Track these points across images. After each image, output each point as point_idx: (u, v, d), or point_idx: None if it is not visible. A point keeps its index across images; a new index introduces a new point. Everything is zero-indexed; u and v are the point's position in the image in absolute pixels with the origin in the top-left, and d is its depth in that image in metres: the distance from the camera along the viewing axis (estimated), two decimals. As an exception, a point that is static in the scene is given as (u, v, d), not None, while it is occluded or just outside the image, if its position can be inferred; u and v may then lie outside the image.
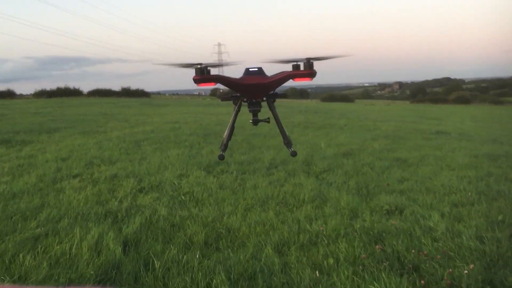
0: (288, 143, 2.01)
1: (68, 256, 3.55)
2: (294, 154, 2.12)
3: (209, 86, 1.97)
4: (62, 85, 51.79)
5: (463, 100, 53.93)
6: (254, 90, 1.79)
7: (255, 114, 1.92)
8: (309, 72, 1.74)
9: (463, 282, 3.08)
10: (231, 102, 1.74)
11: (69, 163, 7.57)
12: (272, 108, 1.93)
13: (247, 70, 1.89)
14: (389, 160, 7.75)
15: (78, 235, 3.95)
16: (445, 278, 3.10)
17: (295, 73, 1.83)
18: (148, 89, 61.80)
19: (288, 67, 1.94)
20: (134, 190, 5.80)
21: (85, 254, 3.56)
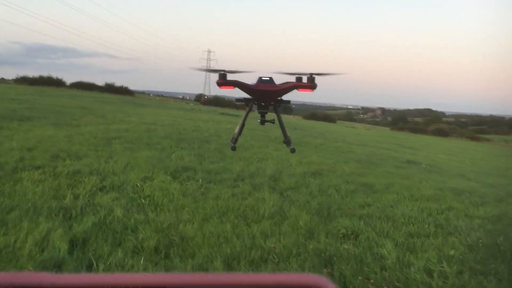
0: (287, 141, 2.30)
1: (11, 248, 3.46)
2: (293, 151, 2.40)
3: (228, 89, 2.26)
4: (46, 73, 51.02)
5: (442, 133, 54.81)
6: (265, 95, 2.13)
7: (263, 115, 2.25)
8: (311, 84, 2.10)
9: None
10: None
11: (34, 154, 7.42)
12: (277, 112, 2.21)
13: (260, 78, 2.21)
14: (356, 184, 7.80)
15: (26, 228, 3.87)
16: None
17: (300, 84, 2.16)
18: (133, 87, 61.19)
19: (292, 78, 2.32)
20: (94, 188, 5.71)
21: (29, 249, 3.48)
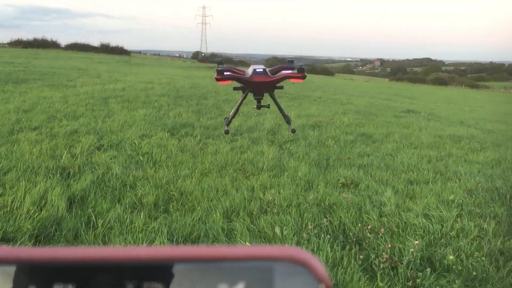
0: (288, 121, 2.37)
1: (8, 209, 3.46)
2: (293, 131, 2.48)
3: (226, 83, 2.31)
4: (41, 36, 50.51)
5: (441, 82, 54.52)
6: (260, 86, 2.20)
7: (258, 101, 2.33)
8: (302, 75, 2.15)
9: (403, 258, 3.11)
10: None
11: (30, 116, 7.37)
12: (273, 96, 2.27)
13: (254, 70, 2.25)
14: (354, 134, 7.76)
15: (23, 188, 3.86)
16: (384, 253, 3.12)
17: (291, 75, 2.22)
18: (129, 47, 60.70)
19: (284, 61, 2.38)
20: (92, 147, 5.68)
21: (27, 208, 3.48)
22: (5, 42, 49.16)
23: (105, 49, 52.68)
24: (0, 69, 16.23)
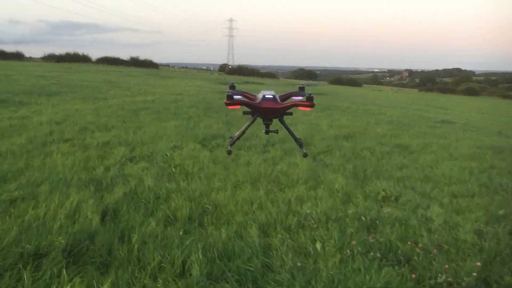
0: (300, 144, 2.25)
1: (41, 222, 3.37)
2: (305, 155, 2.37)
3: (235, 108, 2.29)
4: (72, 50, 51.71)
5: (472, 92, 53.35)
6: (269, 112, 2.10)
7: (267, 126, 2.24)
8: (310, 103, 2.05)
9: (459, 279, 2.89)
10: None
11: (62, 127, 7.38)
12: (282, 122, 2.19)
13: (264, 96, 2.16)
14: (390, 145, 7.52)
15: (56, 200, 3.78)
16: (439, 275, 2.90)
17: (300, 103, 2.12)
18: (157, 60, 61.71)
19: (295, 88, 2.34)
20: (124, 159, 5.61)
21: (60, 221, 3.38)
22: (38, 56, 50.38)
23: (135, 62, 53.51)
24: (34, 82, 16.56)
